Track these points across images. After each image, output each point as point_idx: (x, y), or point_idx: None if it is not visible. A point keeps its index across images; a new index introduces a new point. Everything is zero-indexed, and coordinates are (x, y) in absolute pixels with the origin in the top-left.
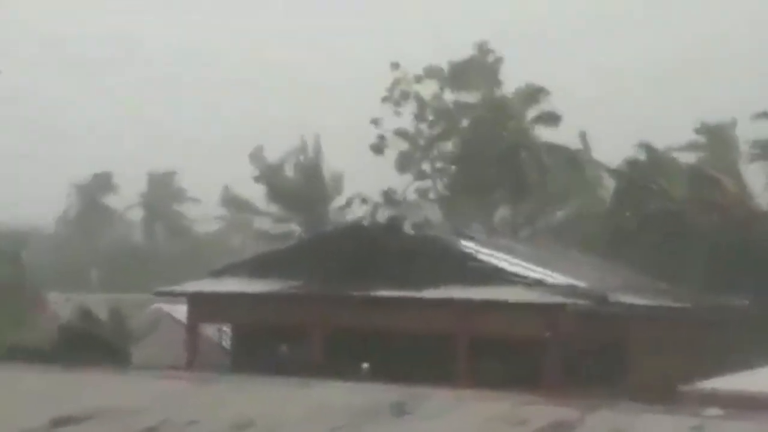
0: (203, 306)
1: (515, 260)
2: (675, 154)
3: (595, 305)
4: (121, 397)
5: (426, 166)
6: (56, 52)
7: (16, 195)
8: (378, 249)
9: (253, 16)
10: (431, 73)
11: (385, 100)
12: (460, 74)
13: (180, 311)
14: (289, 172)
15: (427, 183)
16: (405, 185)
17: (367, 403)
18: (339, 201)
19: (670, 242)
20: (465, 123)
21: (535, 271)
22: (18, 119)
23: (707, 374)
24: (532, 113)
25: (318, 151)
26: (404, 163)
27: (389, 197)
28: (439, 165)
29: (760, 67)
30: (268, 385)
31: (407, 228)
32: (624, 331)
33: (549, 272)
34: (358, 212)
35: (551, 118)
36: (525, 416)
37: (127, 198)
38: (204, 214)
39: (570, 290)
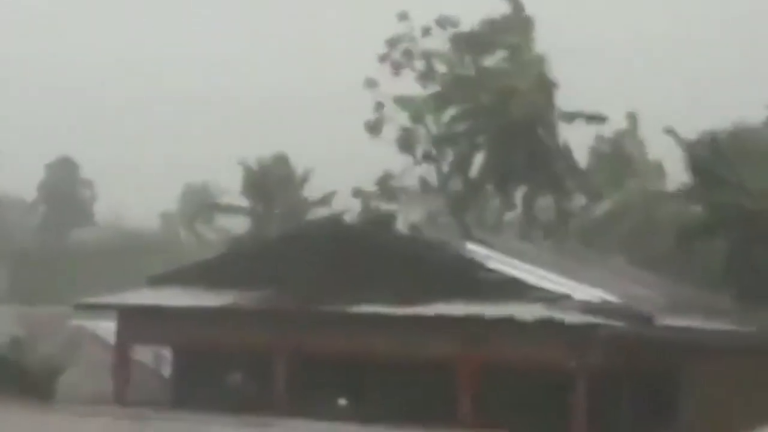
0: (137, 323)
1: (536, 269)
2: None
3: (637, 328)
4: None
5: (431, 146)
6: None
7: None
8: (362, 253)
9: None
10: (445, 22)
11: (383, 59)
12: (485, 34)
13: (107, 329)
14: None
15: (432, 169)
16: (404, 170)
17: None
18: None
19: (742, 249)
20: (485, 94)
21: (560, 284)
22: None
23: None
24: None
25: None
26: (406, 141)
27: (384, 185)
28: (448, 145)
29: None
30: (217, 425)
31: (400, 226)
32: (674, 363)
33: (578, 285)
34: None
35: (595, 119)
36: None
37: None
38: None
39: (604, 308)
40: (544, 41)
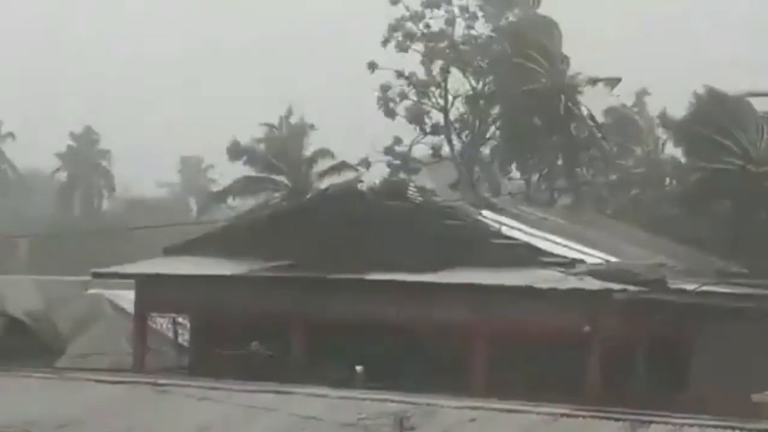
0: (155, 292)
1: (549, 235)
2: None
3: (650, 292)
4: (53, 406)
5: (439, 117)
6: None
7: None
8: (377, 221)
9: None
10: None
11: (385, 42)
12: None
13: (126, 298)
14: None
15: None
16: (413, 139)
17: (359, 417)
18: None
19: (745, 213)
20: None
21: (573, 249)
22: None
23: None
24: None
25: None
26: (416, 114)
27: (393, 152)
28: (457, 113)
29: None
30: (236, 392)
31: (413, 194)
32: (687, 326)
33: (591, 250)
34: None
35: (611, 83)
36: None
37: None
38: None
39: (617, 273)
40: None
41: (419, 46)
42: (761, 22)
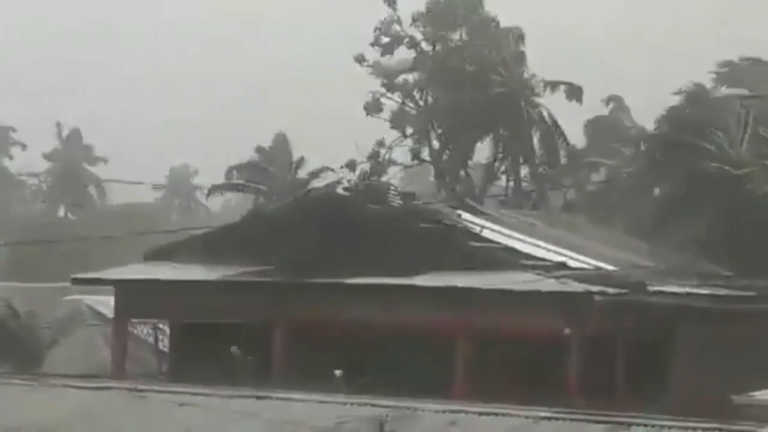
0: (134, 297)
1: (529, 239)
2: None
3: (630, 295)
4: (32, 412)
5: (419, 121)
6: None
7: None
8: (357, 224)
9: None
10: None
11: (374, 44)
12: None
13: (105, 304)
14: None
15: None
16: (393, 143)
17: (339, 422)
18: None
19: (727, 217)
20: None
21: (554, 253)
22: None
23: None
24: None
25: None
26: (397, 117)
27: (374, 158)
28: (434, 119)
29: None
30: (216, 397)
31: (393, 197)
32: (667, 328)
33: (572, 254)
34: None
35: (573, 92)
36: None
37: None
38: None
39: (598, 276)
40: None
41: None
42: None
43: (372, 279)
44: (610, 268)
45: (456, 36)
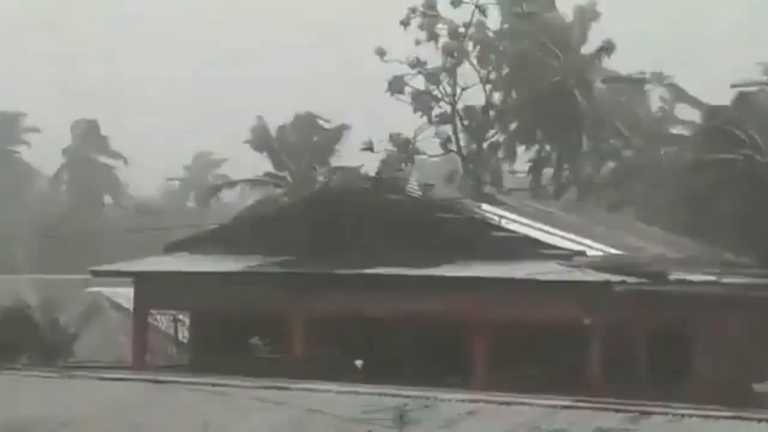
0: (154, 289)
1: (550, 228)
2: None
3: (651, 284)
4: (54, 404)
5: (447, 107)
6: None
7: None
8: (375, 216)
9: None
10: None
11: (404, 23)
12: None
13: (125, 296)
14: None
15: (447, 129)
16: (417, 130)
17: (361, 410)
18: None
19: (758, 209)
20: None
21: (574, 241)
22: None
23: None
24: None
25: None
26: (423, 102)
27: (398, 142)
28: (463, 106)
29: None
30: (236, 388)
31: (413, 188)
32: (688, 317)
33: (592, 243)
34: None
35: (606, 48)
36: (559, 425)
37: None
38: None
39: (618, 265)
40: None
41: (442, 29)
42: None
43: (392, 270)
44: (630, 256)
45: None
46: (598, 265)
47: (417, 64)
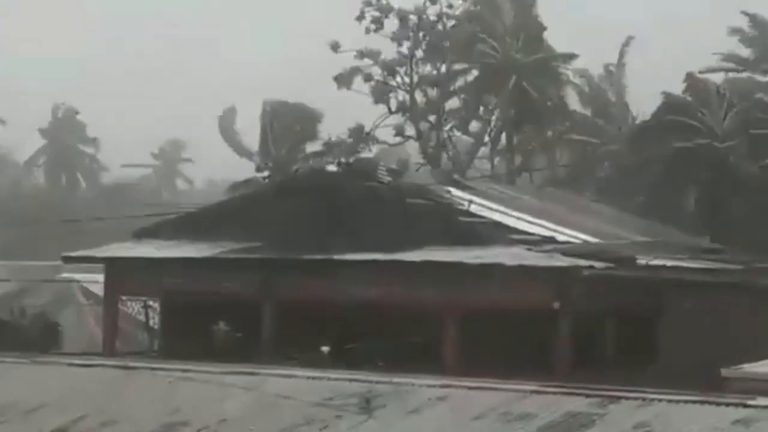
0: (125, 275)
1: (517, 213)
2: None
3: (619, 269)
4: (24, 390)
5: (405, 96)
6: None
7: None
8: (343, 201)
9: None
10: None
11: (360, 18)
12: None
13: (96, 282)
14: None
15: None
16: (378, 120)
17: (328, 397)
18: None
19: (712, 192)
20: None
21: (542, 227)
22: None
23: (758, 356)
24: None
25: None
26: (381, 92)
27: (357, 135)
28: (421, 92)
29: None
30: (206, 374)
31: (380, 174)
32: (655, 302)
33: (560, 228)
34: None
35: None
36: (528, 410)
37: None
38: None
39: (586, 250)
40: None
41: (393, 23)
42: None
43: (360, 255)
44: (598, 242)
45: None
46: (567, 250)
47: (369, 54)
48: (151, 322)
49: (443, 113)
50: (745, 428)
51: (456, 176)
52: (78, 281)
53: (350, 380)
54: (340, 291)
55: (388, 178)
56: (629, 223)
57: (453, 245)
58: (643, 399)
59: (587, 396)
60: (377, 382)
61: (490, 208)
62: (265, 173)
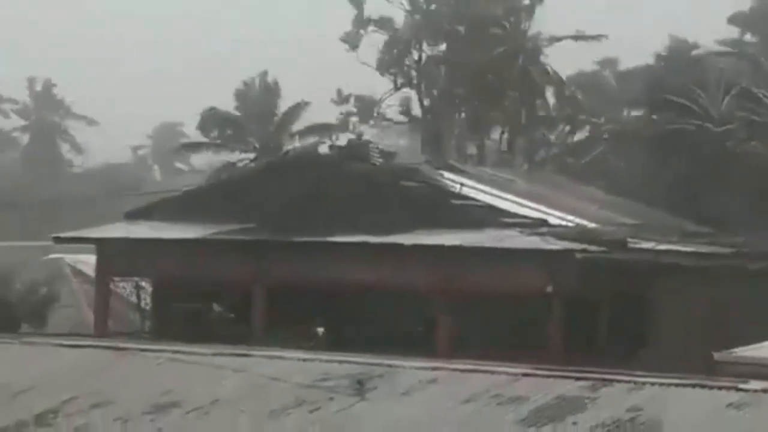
0: (116, 256)
1: (510, 197)
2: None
3: (611, 252)
4: (13, 372)
5: (411, 71)
6: None
7: None
8: (336, 183)
9: None
10: None
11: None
12: None
13: (87, 263)
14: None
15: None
16: (382, 96)
17: (320, 378)
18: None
19: (707, 174)
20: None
21: (535, 210)
22: None
23: (751, 340)
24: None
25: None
26: (385, 62)
27: (363, 104)
28: (425, 69)
29: None
30: (197, 355)
31: (375, 156)
32: (648, 285)
33: (553, 211)
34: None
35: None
36: (520, 392)
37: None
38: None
39: (579, 233)
40: None
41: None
42: None
43: (353, 237)
44: (591, 225)
45: None
46: (560, 233)
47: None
48: (142, 303)
49: (448, 94)
50: (738, 411)
51: (451, 159)
52: (68, 263)
53: (343, 362)
54: (332, 273)
55: (381, 160)
56: (622, 205)
57: (446, 228)
58: (636, 382)
59: (579, 379)
60: (370, 364)
61: (483, 191)
62: (251, 155)
